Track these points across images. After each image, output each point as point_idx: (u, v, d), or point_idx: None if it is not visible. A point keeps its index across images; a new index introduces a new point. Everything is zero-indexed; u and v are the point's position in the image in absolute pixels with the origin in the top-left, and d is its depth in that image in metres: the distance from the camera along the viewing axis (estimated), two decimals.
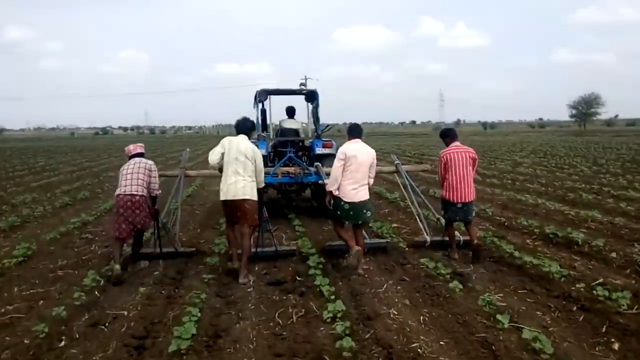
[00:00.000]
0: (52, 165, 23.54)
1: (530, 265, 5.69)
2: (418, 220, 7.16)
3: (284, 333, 4.17)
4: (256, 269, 6.08)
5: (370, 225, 7.71)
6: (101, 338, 4.16)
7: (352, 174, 5.59)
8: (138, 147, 6.29)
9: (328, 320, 4.28)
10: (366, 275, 5.67)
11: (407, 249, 6.73)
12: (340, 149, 5.77)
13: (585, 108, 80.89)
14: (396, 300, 4.86)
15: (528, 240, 7.25)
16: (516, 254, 6.02)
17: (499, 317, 4.11)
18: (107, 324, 4.44)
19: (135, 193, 5.77)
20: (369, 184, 5.85)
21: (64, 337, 4.15)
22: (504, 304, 4.61)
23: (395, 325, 4.24)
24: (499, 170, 17.82)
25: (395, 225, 8.35)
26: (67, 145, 51.90)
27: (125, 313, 4.68)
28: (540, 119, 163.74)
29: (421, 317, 4.43)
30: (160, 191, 6.27)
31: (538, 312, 4.49)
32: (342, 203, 5.63)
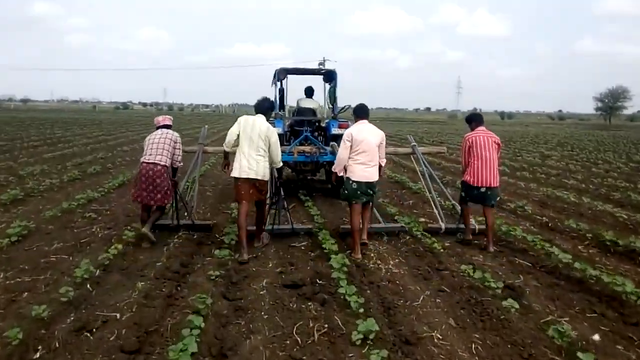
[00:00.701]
0: (69, 137, 23.04)
1: (593, 280, 4.84)
2: (433, 206, 7.10)
3: (304, 358, 3.40)
4: (269, 265, 5.35)
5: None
6: (84, 350, 3.45)
7: (361, 154, 5.62)
8: (167, 119, 6.39)
9: (358, 342, 3.50)
10: (398, 282, 4.90)
11: (442, 250, 5.91)
12: (347, 131, 5.82)
13: (611, 101, 78.33)
14: (438, 319, 4.04)
15: (580, 247, 6.38)
16: (576, 265, 5.13)
17: (580, 355, 3.23)
18: (94, 330, 3.74)
19: (158, 162, 5.82)
20: (380, 165, 5.87)
21: (40, 347, 3.45)
22: (575, 333, 3.74)
23: (442, 356, 3.45)
24: (527, 162, 16.81)
25: (422, 219, 7.50)
26: (86, 117, 51.61)
27: (118, 316, 3.97)
28: (560, 110, 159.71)
29: (473, 345, 3.61)
30: (182, 163, 6.31)
31: (619, 347, 3.65)
32: (351, 182, 5.67)
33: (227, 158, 5.96)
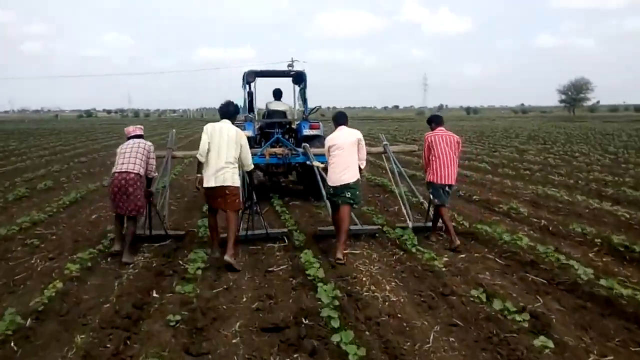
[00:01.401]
0: (23, 149, 21.48)
1: (625, 300, 4.13)
2: (402, 204, 6.96)
3: None
4: (243, 300, 4.46)
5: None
6: None
7: (336, 159, 5.75)
8: (138, 129, 6.17)
9: None
10: (400, 315, 4.08)
11: (443, 268, 5.14)
12: (327, 139, 5.98)
13: (574, 93, 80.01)
14: None
15: (591, 255, 5.71)
16: (602, 282, 4.41)
17: None
18: None
19: (131, 171, 5.61)
20: (360, 167, 5.86)
21: None
22: None
23: None
24: (505, 158, 16.34)
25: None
26: (46, 127, 49.32)
27: None
28: (522, 104, 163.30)
29: None
30: (157, 173, 6.18)
31: None
32: (328, 187, 5.90)
33: (200, 172, 5.56)
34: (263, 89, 15.11)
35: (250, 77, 9.34)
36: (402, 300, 4.42)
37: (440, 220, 6.31)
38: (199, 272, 4.91)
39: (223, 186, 5.39)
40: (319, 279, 4.55)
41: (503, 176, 12.06)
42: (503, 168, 13.44)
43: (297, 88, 9.95)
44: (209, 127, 5.55)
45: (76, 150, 20.84)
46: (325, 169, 6.02)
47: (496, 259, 5.60)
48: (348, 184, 5.67)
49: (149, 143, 6.03)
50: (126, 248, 5.55)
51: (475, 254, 5.78)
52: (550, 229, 6.93)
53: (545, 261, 5.27)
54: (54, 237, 6.65)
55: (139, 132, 6.12)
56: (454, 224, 6.50)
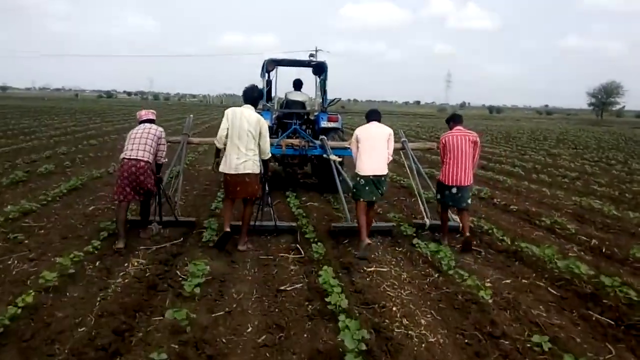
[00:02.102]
0: (34, 128, 20.99)
1: None
2: (420, 202, 6.81)
3: None
4: (248, 330, 3.66)
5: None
6: None
7: (369, 149, 5.66)
8: (150, 113, 6.02)
9: None
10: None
11: (488, 299, 4.28)
12: (356, 130, 5.87)
13: (604, 97, 77.70)
14: None
15: None
16: None
17: None
18: None
19: (141, 158, 5.48)
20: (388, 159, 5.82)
21: None
22: None
23: None
24: (537, 162, 15.28)
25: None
26: (63, 106, 49.14)
27: None
28: (546, 105, 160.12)
29: None
30: (166, 159, 6.00)
31: None
32: (359, 179, 5.67)
33: (219, 156, 5.53)
34: (285, 78, 14.57)
35: (270, 65, 9.17)
36: (441, 341, 3.59)
37: (459, 223, 6.12)
38: (197, 289, 4.11)
39: (244, 173, 5.28)
40: (340, 308, 3.74)
41: (539, 183, 11.09)
42: (538, 174, 12.42)
43: (318, 79, 9.67)
44: (229, 113, 5.36)
45: (87, 132, 20.25)
46: (342, 163, 6.04)
47: (548, 288, 4.72)
48: (382, 175, 5.63)
49: (160, 129, 5.88)
50: (141, 228, 5.82)
51: (523, 280, 4.92)
52: (604, 250, 6.04)
53: (610, 296, 4.39)
54: (42, 231, 5.94)
55: (151, 117, 5.96)
56: (492, 237, 5.69)
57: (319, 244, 5.54)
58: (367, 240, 5.39)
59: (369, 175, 5.56)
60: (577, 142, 25.20)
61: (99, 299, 4.04)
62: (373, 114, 5.95)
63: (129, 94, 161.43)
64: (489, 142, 23.88)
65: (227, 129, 5.31)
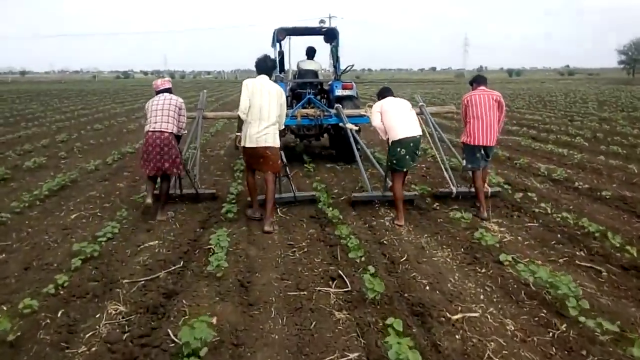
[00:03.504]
0: (39, 113, 19.71)
1: None
2: (443, 169, 6.51)
3: None
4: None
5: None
6: None
7: (396, 116, 5.49)
8: (166, 82, 5.92)
9: None
10: None
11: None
12: (374, 105, 5.77)
13: (636, 54, 73.30)
14: None
15: None
16: None
17: None
18: None
19: (165, 130, 5.40)
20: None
21: None
22: None
23: None
24: (592, 129, 13.23)
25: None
26: (76, 88, 48.05)
27: None
28: (567, 65, 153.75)
29: None
30: (186, 131, 6.03)
31: None
32: (396, 147, 5.41)
33: (241, 129, 5.26)
34: (299, 48, 13.50)
35: (280, 34, 8.91)
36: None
37: (488, 188, 6.06)
38: (219, 307, 2.65)
39: (265, 147, 5.14)
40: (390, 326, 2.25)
41: (612, 156, 9.24)
42: (606, 145, 10.54)
43: (330, 46, 9.42)
44: (249, 83, 5.19)
45: (95, 115, 18.87)
46: (359, 131, 6.14)
47: None
48: (418, 137, 5.47)
49: (180, 99, 5.76)
50: (160, 207, 5.55)
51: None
52: None
53: None
54: (1, 256, 4.51)
55: (167, 86, 5.84)
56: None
57: (330, 203, 3.96)
58: (402, 222, 5.34)
59: (407, 137, 5.35)
60: (622, 104, 22.84)
61: (100, 319, 2.68)
62: (386, 91, 5.84)
63: (145, 73, 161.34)
64: (525, 107, 21.85)
65: (249, 99, 5.11)
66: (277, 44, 9.08)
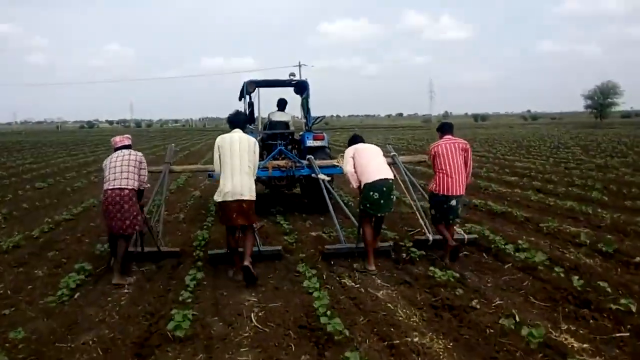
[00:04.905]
0: None
1: None
2: (419, 216, 6.44)
3: None
4: None
5: None
6: None
7: (369, 160, 5.63)
8: (125, 139, 5.78)
9: None
10: None
11: None
12: (346, 150, 5.85)
13: (601, 98, 74.91)
14: None
15: None
16: None
17: None
18: None
19: (125, 187, 5.28)
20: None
21: None
22: None
23: None
24: (599, 179, 12.03)
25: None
26: (29, 140, 45.63)
27: None
28: (528, 110, 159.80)
29: None
30: (148, 185, 5.82)
31: None
32: (369, 190, 5.42)
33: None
34: (270, 98, 12.61)
35: (250, 87, 9.01)
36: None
37: (464, 235, 6.04)
38: None
39: (240, 200, 5.09)
40: None
41: (634, 213, 7.89)
42: (624, 200, 9.23)
43: (300, 98, 9.45)
44: (219, 142, 5.23)
45: (41, 171, 16.81)
46: (332, 182, 6.94)
47: None
48: (388, 179, 5.49)
49: (140, 153, 5.65)
50: (117, 268, 5.23)
51: None
52: None
53: None
54: None
55: (127, 142, 5.72)
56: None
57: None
58: (374, 267, 5.41)
59: (380, 180, 5.42)
60: (605, 149, 22.11)
61: None
62: (357, 138, 6.07)
63: (111, 122, 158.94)
64: (509, 153, 20.88)
65: (219, 155, 5.17)
66: (247, 96, 9.15)
